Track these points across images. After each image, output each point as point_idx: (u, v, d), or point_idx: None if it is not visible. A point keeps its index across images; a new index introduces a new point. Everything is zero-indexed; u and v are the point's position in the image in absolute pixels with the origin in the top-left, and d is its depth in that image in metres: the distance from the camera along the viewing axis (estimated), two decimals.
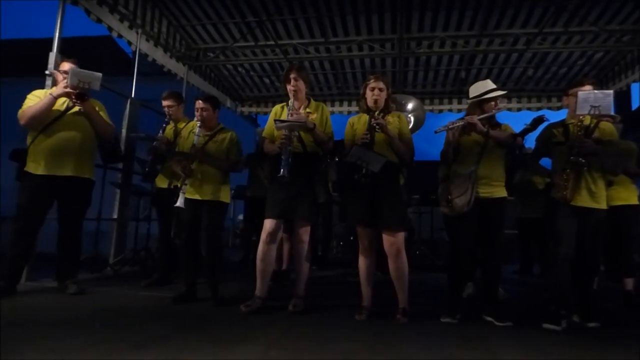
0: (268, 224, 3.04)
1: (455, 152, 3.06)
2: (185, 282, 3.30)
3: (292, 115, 3.02)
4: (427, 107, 7.86)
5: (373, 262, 3.02)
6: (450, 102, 7.80)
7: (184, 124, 3.82)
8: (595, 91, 2.72)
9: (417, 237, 7.32)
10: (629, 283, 3.70)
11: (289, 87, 3.11)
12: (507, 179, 4.03)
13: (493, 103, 3.05)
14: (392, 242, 2.86)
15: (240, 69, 7.20)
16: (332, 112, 8.14)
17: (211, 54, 6.44)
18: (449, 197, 2.96)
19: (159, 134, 3.72)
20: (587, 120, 2.85)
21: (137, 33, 5.14)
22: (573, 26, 5.51)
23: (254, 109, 8.42)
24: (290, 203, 3.03)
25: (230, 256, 6.42)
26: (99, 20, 4.60)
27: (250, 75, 7.50)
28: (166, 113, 3.86)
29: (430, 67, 6.89)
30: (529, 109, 7.51)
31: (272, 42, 6.09)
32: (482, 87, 3.08)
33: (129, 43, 5.20)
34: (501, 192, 3.01)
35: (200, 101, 3.37)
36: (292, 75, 3.09)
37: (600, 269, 4.11)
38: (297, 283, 3.13)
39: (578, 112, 2.71)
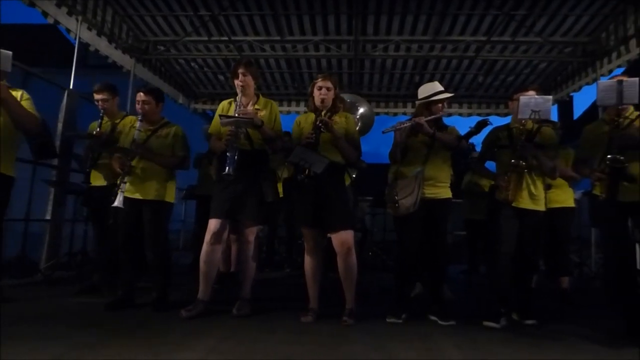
0: (213, 224, 2.92)
1: (403, 153, 3.08)
2: (123, 286, 3.10)
3: (239, 111, 2.92)
4: (382, 110, 7.98)
5: (319, 263, 2.98)
6: (404, 106, 7.93)
7: (119, 119, 3.61)
8: (536, 96, 2.82)
9: (370, 239, 7.39)
10: (565, 282, 3.88)
11: (237, 83, 3.01)
12: (457, 182, 4.14)
13: (440, 105, 3.10)
14: (343, 241, 2.82)
15: (193, 64, 6.96)
16: (289, 112, 8.07)
17: (161, 47, 6.17)
18: (396, 197, 2.97)
19: (96, 130, 3.48)
20: (529, 125, 2.96)
21: (77, 20, 4.81)
22: (520, 36, 5.75)
23: (208, 106, 8.18)
24: (237, 202, 2.92)
25: (181, 259, 6.18)
26: (32, 4, 4.24)
27: (204, 72, 7.27)
28: (100, 107, 3.60)
29: (386, 70, 6.98)
30: (478, 114, 7.78)
31: (226, 38, 5.93)
32: (430, 89, 3.12)
33: (68, 31, 4.85)
34: (446, 193, 3.06)
35: (141, 93, 3.17)
36: (240, 70, 2.99)
37: (539, 268, 4.30)
38: (243, 285, 3.03)
39: (520, 117, 2.80)
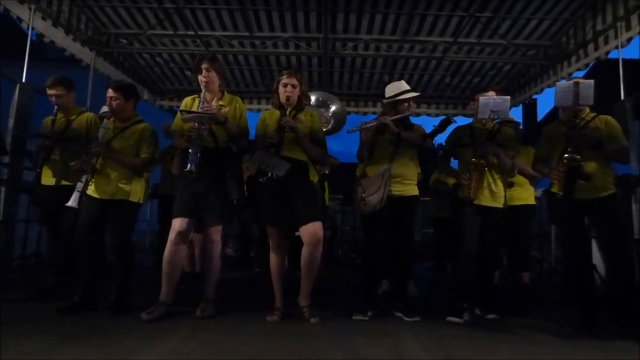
0: (177, 223, 2.83)
1: (370, 152, 3.09)
2: (80, 289, 2.96)
3: (202, 107, 2.85)
4: (352, 109, 7.99)
5: (284, 262, 2.94)
6: (374, 105, 7.96)
7: (75, 115, 3.45)
8: (495, 97, 2.89)
9: (340, 236, 7.42)
10: (526, 277, 4.01)
11: (201, 78, 2.94)
12: (424, 180, 4.20)
13: (406, 104, 3.13)
14: (313, 232, 2.76)
15: (158, 59, 6.74)
16: (259, 110, 7.95)
17: (124, 40, 5.94)
18: (363, 195, 2.98)
19: (50, 127, 3.30)
20: (490, 125, 3.03)
21: (30, 9, 4.53)
22: (485, 38, 5.88)
23: (175, 103, 7.94)
24: (200, 200, 2.85)
25: (145, 260, 5.99)
26: None
27: (170, 67, 7.06)
28: (53, 103, 3.41)
29: (355, 69, 6.99)
30: (446, 114, 7.88)
31: (193, 33, 5.77)
32: (397, 88, 3.15)
33: (19, 20, 4.57)
34: (413, 190, 3.09)
35: (110, 89, 3.04)
36: (203, 66, 2.92)
37: (502, 265, 4.43)
38: (207, 286, 2.95)
39: (479, 117, 2.88)
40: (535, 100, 17.76)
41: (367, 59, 6.62)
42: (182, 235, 2.81)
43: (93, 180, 2.95)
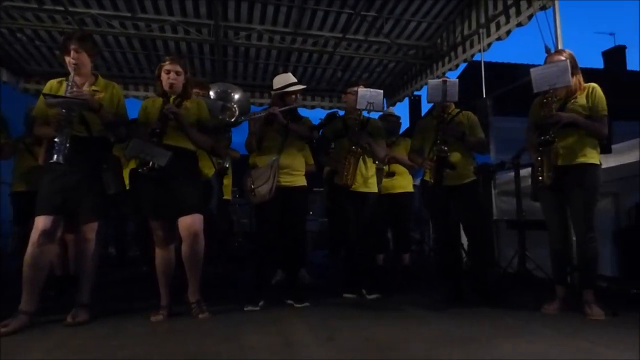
0: (40, 221, 2.51)
1: (259, 143, 3.10)
2: None
3: (71, 91, 2.56)
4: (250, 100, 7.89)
5: (171, 256, 2.81)
6: (270, 96, 7.96)
7: None
8: (371, 90, 3.14)
9: (237, 229, 7.33)
10: (406, 258, 4.39)
11: (69, 60, 2.63)
12: (318, 171, 4.35)
13: (294, 96, 3.19)
14: (188, 225, 2.67)
15: (20, 35, 5.87)
16: (146, 97, 7.40)
17: None
18: (252, 186, 2.98)
19: None
20: (361, 116, 3.29)
21: None
22: (371, 36, 6.24)
23: (42, 86, 6.99)
24: (71, 195, 2.57)
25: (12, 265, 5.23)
26: None
27: (36, 45, 6.21)
28: None
29: (250, 59, 6.91)
30: (339, 107, 8.24)
31: (62, 8, 5.14)
32: (284, 80, 3.20)
33: None
34: (301, 181, 3.18)
35: None
36: (72, 46, 2.62)
37: (388, 248, 4.79)
38: (80, 290, 2.67)
39: (358, 107, 3.12)
40: (419, 96, 19.51)
41: (261, 49, 6.58)
42: (47, 235, 2.51)
43: None
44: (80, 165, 2.59)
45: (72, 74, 2.65)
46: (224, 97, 5.10)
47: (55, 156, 2.42)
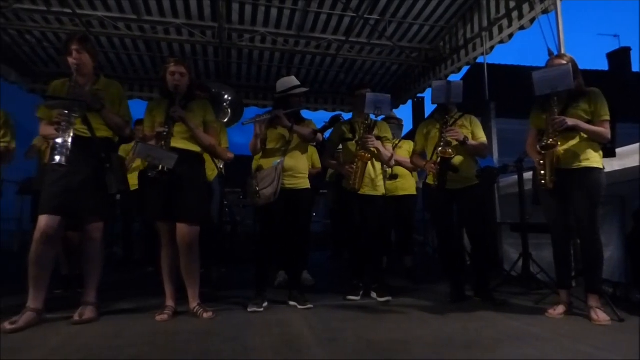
0: (42, 221, 2.55)
1: (263, 145, 3.12)
2: None
3: (72, 92, 2.60)
4: (252, 102, 7.93)
5: (176, 258, 2.84)
6: (274, 98, 7.97)
7: None
8: (379, 94, 3.15)
9: (240, 230, 7.34)
10: (409, 260, 4.40)
11: (71, 61, 2.68)
12: (323, 173, 4.38)
13: (298, 99, 3.22)
14: (182, 235, 2.71)
15: (28, 37, 5.93)
16: (150, 98, 7.44)
17: None
18: (257, 188, 3.00)
19: None
20: (369, 120, 3.29)
21: None
22: (374, 39, 6.26)
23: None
24: (74, 196, 2.60)
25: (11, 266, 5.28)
26: None
27: (43, 47, 6.27)
28: None
29: (253, 61, 6.93)
30: (342, 110, 8.26)
31: (70, 11, 5.19)
32: (288, 83, 3.23)
33: None
34: (305, 183, 3.20)
35: None
36: (73, 47, 2.67)
37: (392, 250, 4.79)
38: (87, 289, 2.71)
39: (366, 111, 3.12)
40: (423, 98, 19.50)
41: (264, 52, 6.60)
42: (48, 235, 2.54)
43: None
44: (83, 166, 2.62)
45: (74, 74, 2.68)
46: (217, 97, 5.15)
47: (56, 157, 2.44)
